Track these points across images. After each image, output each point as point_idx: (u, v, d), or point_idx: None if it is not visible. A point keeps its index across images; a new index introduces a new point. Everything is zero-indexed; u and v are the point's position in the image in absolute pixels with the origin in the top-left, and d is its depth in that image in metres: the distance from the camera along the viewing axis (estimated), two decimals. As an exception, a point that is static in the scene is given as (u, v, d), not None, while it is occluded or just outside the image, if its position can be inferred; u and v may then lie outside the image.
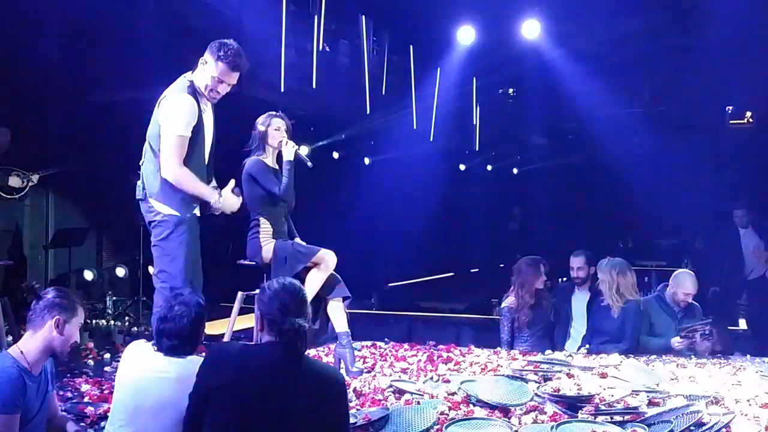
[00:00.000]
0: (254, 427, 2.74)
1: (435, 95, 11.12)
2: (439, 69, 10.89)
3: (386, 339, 6.09)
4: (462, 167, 14.66)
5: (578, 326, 6.02)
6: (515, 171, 16.14)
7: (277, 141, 4.80)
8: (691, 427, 3.46)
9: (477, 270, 15.03)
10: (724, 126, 12.05)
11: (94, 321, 7.20)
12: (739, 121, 12.04)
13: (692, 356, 5.38)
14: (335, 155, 11.45)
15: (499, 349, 5.70)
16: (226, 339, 4.82)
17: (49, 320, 3.12)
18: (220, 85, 4.11)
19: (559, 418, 3.67)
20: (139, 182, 4.12)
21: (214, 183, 4.39)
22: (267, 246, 4.71)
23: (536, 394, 3.97)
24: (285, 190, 4.72)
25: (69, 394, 4.29)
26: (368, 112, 10.08)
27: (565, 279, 7.26)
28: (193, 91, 4.07)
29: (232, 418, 2.74)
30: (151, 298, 4.13)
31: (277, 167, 4.85)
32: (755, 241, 8.34)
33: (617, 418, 3.63)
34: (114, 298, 7.82)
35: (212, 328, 6.09)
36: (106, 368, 5.06)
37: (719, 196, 9.65)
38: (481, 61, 10.49)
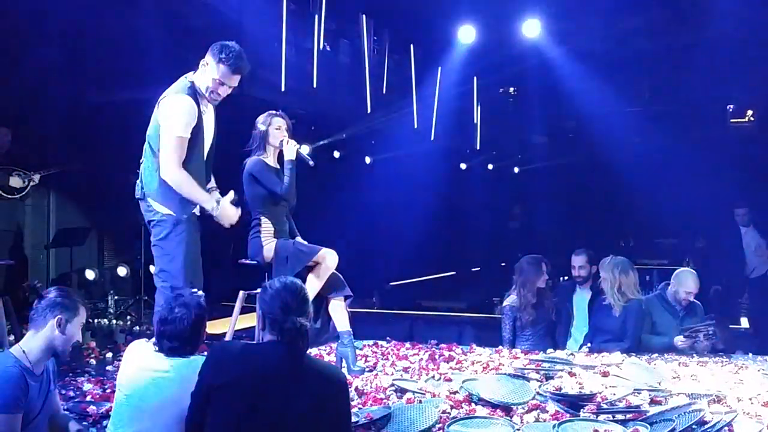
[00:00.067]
0: (256, 427, 2.74)
1: (436, 94, 11.13)
2: (439, 68, 10.90)
3: (388, 338, 6.09)
4: (463, 166, 14.66)
5: (580, 325, 6.02)
6: (516, 170, 16.15)
7: (279, 140, 4.79)
8: (693, 426, 3.46)
9: (478, 269, 15.03)
10: (725, 124, 12.06)
11: (95, 320, 7.21)
12: (740, 120, 12.05)
13: (694, 355, 5.38)
14: (336, 154, 11.45)
15: (500, 347, 5.69)
16: (227, 338, 4.83)
17: (51, 319, 3.13)
18: (221, 88, 4.10)
19: (561, 416, 3.67)
20: (138, 181, 4.12)
21: (213, 183, 4.39)
22: (268, 245, 4.71)
23: (538, 393, 3.97)
24: (287, 190, 4.72)
25: (71, 393, 4.30)
26: (369, 111, 10.09)
27: (566, 278, 7.26)
28: (194, 93, 4.07)
29: (234, 417, 2.74)
30: (152, 297, 4.13)
31: (278, 167, 4.85)
32: (757, 240, 8.34)
33: (619, 416, 3.63)
34: (116, 297, 7.82)
35: (214, 327, 6.10)
36: (108, 367, 5.07)
37: (720, 195, 9.63)
38: (481, 60, 10.50)
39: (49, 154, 7.50)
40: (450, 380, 4.36)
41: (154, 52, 6.87)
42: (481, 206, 14.26)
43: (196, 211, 4.12)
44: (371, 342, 5.91)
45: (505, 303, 6.09)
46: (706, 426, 3.46)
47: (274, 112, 4.88)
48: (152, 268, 4.27)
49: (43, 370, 3.18)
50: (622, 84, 11.12)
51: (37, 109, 7.49)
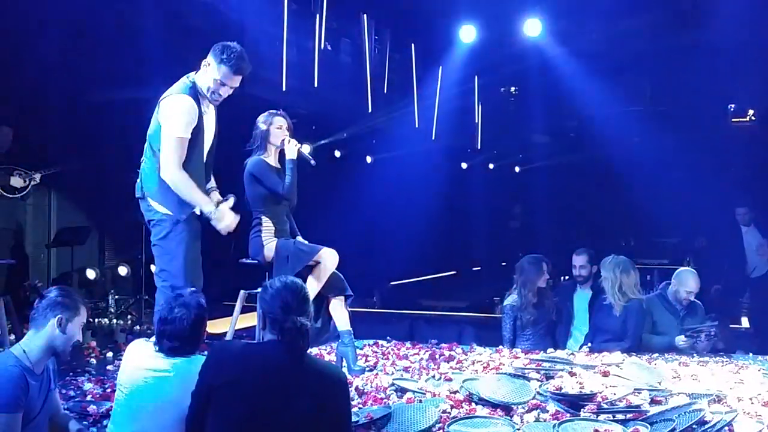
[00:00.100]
0: (257, 426, 2.75)
1: (437, 94, 11.13)
2: (440, 67, 10.90)
3: (388, 337, 6.10)
4: (464, 166, 14.67)
5: (580, 325, 6.02)
6: (517, 169, 16.15)
7: (280, 139, 4.78)
8: (694, 426, 3.45)
9: (479, 268, 15.04)
10: (726, 124, 12.05)
11: (96, 320, 7.20)
12: (741, 119, 12.04)
13: (694, 354, 5.39)
14: (337, 154, 11.45)
15: (501, 347, 5.69)
16: (228, 338, 4.83)
17: (52, 319, 3.13)
18: (222, 88, 4.10)
19: (562, 416, 3.66)
20: (138, 181, 4.13)
21: (213, 183, 4.39)
22: (269, 244, 4.70)
23: (538, 393, 3.97)
24: (288, 189, 4.71)
25: (72, 393, 4.30)
26: (370, 110, 10.09)
27: (567, 277, 7.27)
28: (195, 93, 4.06)
29: (235, 416, 2.74)
30: (153, 296, 4.13)
31: (279, 166, 4.84)
32: (758, 239, 8.33)
33: (619, 416, 3.62)
34: (116, 296, 7.82)
35: (214, 326, 6.09)
36: (109, 367, 5.07)
37: (721, 194, 9.63)
38: (482, 59, 10.50)
39: (50, 154, 7.50)
40: (450, 380, 4.36)
41: (155, 52, 6.88)
42: (482, 206, 14.26)
43: (197, 210, 4.12)
44: (372, 341, 5.91)
45: (505, 302, 6.09)
46: (706, 426, 3.46)
47: (274, 111, 4.87)
48: (153, 268, 4.27)
49: (43, 369, 3.18)
50: (623, 84, 11.13)
51: (38, 108, 7.49)
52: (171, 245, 4.01)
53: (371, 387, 4.22)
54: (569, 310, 6.11)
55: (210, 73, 4.07)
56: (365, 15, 9.73)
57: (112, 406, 3.43)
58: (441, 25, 9.98)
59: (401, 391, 4.10)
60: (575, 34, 9.71)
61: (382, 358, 5.31)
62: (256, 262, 4.75)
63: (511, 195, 15.64)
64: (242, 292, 4.86)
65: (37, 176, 6.95)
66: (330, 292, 4.77)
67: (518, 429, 3.56)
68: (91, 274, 8.27)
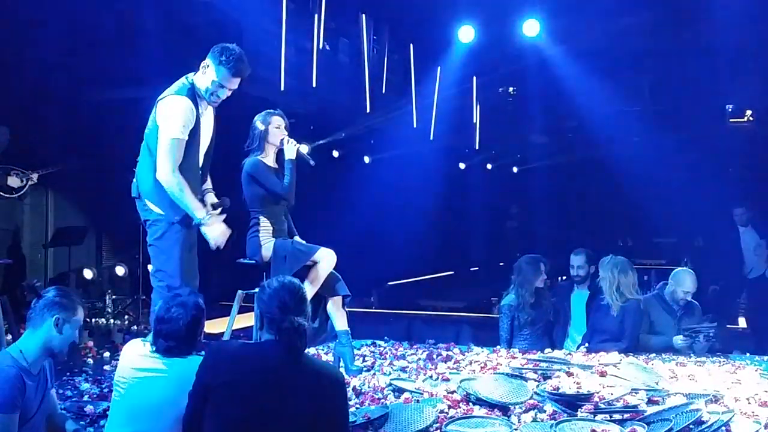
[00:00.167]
0: (254, 426, 2.75)
1: (435, 94, 11.13)
2: (439, 67, 10.89)
3: (386, 337, 6.10)
4: (462, 166, 14.65)
5: (577, 325, 6.02)
6: (515, 170, 16.14)
7: (279, 139, 4.78)
8: (691, 426, 3.46)
9: (477, 268, 15.03)
10: (724, 124, 12.05)
11: (93, 320, 7.20)
12: (739, 120, 12.04)
13: (692, 355, 5.39)
14: (335, 154, 11.44)
15: (498, 347, 5.70)
16: (225, 338, 4.82)
17: (49, 319, 3.12)
18: (221, 90, 4.09)
19: (559, 416, 3.67)
20: (134, 180, 4.12)
21: (209, 184, 4.39)
22: (267, 244, 4.70)
23: (536, 393, 3.97)
24: (287, 189, 4.71)
25: (69, 393, 4.30)
26: (368, 110, 10.08)
27: (564, 278, 7.27)
28: (193, 94, 4.06)
29: (232, 416, 2.74)
30: (150, 296, 4.13)
31: (276, 166, 4.84)
32: (756, 240, 8.33)
33: (616, 416, 3.63)
34: (114, 296, 7.81)
35: (212, 326, 6.10)
36: (106, 367, 5.07)
37: (719, 195, 9.64)
38: (481, 59, 10.50)
39: (48, 154, 7.49)
40: (448, 380, 4.37)
41: (154, 51, 6.88)
42: (480, 206, 14.26)
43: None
44: (369, 341, 5.91)
45: (503, 302, 6.09)
46: (703, 426, 3.46)
47: (272, 110, 4.86)
48: (150, 268, 4.27)
49: (40, 369, 3.17)
50: (621, 83, 11.12)
51: (36, 108, 7.49)
52: (167, 245, 4.01)
53: (369, 387, 4.22)
54: (566, 310, 6.11)
55: (209, 74, 4.06)
56: (364, 15, 9.73)
57: (109, 407, 3.43)
58: (439, 26, 9.97)
59: (399, 391, 4.10)
60: (573, 33, 9.71)
61: (380, 358, 5.31)
62: (253, 262, 4.75)
63: (509, 195, 15.63)
64: (240, 292, 4.86)
65: (35, 176, 6.95)
66: (328, 292, 4.78)
67: (515, 429, 3.56)
68: (88, 274, 8.27)
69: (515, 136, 14.18)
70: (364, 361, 5.13)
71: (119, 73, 7.33)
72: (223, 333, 5.10)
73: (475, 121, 12.41)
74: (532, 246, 8.70)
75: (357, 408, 3.76)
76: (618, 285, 5.57)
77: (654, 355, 5.37)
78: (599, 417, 3.61)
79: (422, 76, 10.84)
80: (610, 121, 11.55)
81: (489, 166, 15.41)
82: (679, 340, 5.44)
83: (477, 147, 13.22)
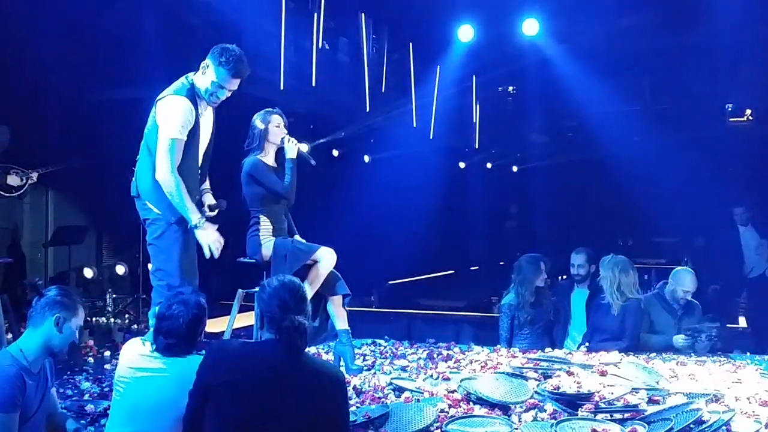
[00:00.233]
0: (254, 425, 2.74)
1: (435, 93, 11.12)
2: (438, 67, 10.89)
3: (386, 337, 6.10)
4: (462, 165, 14.66)
5: (577, 324, 6.03)
6: (515, 169, 16.14)
7: (279, 138, 4.77)
8: (691, 425, 3.46)
9: (477, 268, 15.04)
10: (724, 124, 12.05)
11: (94, 319, 7.20)
12: (738, 119, 12.04)
13: (692, 354, 5.39)
14: (335, 153, 11.44)
15: (499, 346, 5.70)
16: (226, 337, 4.82)
17: (50, 318, 3.12)
18: (220, 91, 4.09)
19: (559, 415, 3.67)
20: (133, 180, 4.12)
21: (207, 185, 4.39)
22: (267, 243, 4.70)
23: (536, 392, 3.97)
24: (288, 189, 4.71)
25: (69, 392, 4.30)
26: (368, 110, 10.08)
27: (565, 277, 7.27)
28: (192, 94, 4.05)
29: (232, 416, 2.74)
30: (151, 295, 4.13)
31: (276, 165, 4.83)
32: (756, 239, 8.34)
33: (617, 416, 3.62)
34: (114, 295, 7.81)
35: (212, 326, 6.08)
36: (106, 366, 5.07)
37: (719, 194, 9.65)
38: (480, 58, 10.50)
39: (48, 152, 7.49)
40: (448, 379, 4.37)
41: (154, 51, 6.88)
42: (480, 205, 14.27)
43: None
44: (370, 341, 5.91)
45: (503, 301, 6.10)
46: (703, 425, 3.46)
47: (270, 109, 4.85)
48: (150, 267, 4.27)
49: (40, 368, 3.17)
50: (621, 83, 11.12)
51: (36, 107, 7.49)
52: (166, 244, 4.01)
53: (369, 386, 4.22)
54: (567, 309, 6.12)
55: (208, 75, 4.06)
56: (363, 14, 9.73)
57: (109, 406, 3.43)
58: (439, 25, 9.97)
59: (399, 390, 4.10)
60: (573, 33, 9.71)
61: (380, 358, 5.32)
62: (253, 261, 4.75)
63: (509, 195, 15.63)
64: (240, 291, 4.86)
65: (35, 175, 6.95)
66: (328, 291, 4.77)
67: (516, 428, 3.56)
68: (88, 273, 8.27)
69: (515, 136, 14.19)
70: (364, 360, 5.13)
71: (119, 73, 7.33)
72: (223, 332, 5.10)
73: (474, 121, 12.41)
74: (532, 245, 8.70)
75: (357, 407, 3.76)
76: (619, 284, 5.57)
77: (654, 354, 5.37)
78: (600, 416, 3.61)
79: (422, 75, 10.84)
80: (610, 121, 11.55)
81: (489, 166, 15.41)
82: (680, 339, 5.44)
83: (477, 146, 13.22)
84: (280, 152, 4.83)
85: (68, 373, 4.76)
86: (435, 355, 5.31)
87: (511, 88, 13.27)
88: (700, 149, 11.58)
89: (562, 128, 13.97)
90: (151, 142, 4.02)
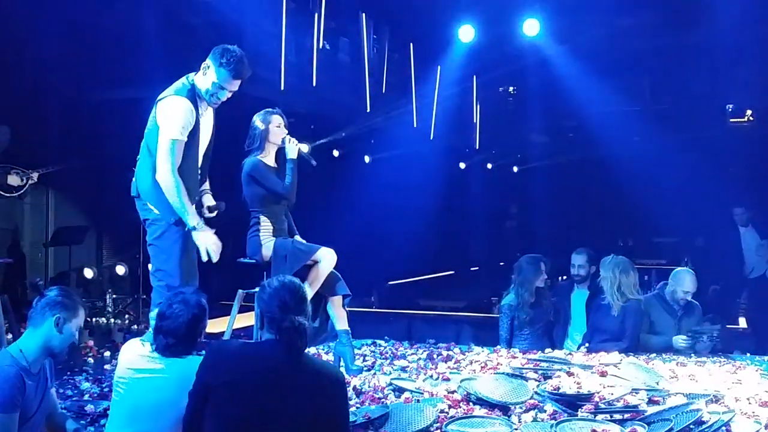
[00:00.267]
0: (254, 426, 2.74)
1: (435, 93, 11.12)
2: (439, 67, 10.88)
3: (386, 337, 6.10)
4: (462, 165, 14.65)
5: (577, 325, 6.03)
6: (515, 169, 16.14)
7: (280, 138, 4.76)
8: (691, 426, 3.46)
9: (477, 268, 15.04)
10: (725, 124, 12.06)
11: (94, 319, 7.20)
12: (739, 120, 12.05)
13: (692, 355, 5.40)
14: (335, 153, 11.44)
15: (499, 347, 5.70)
16: (226, 337, 4.82)
17: (50, 318, 3.12)
18: (221, 92, 4.09)
19: (559, 416, 3.67)
20: (134, 180, 4.12)
21: (207, 185, 4.39)
22: (267, 244, 4.70)
23: (536, 393, 3.97)
24: (289, 189, 4.70)
25: (69, 392, 4.30)
26: (368, 110, 10.07)
27: (565, 277, 7.27)
28: (193, 95, 4.05)
29: (232, 416, 2.74)
30: (151, 296, 4.13)
31: (276, 165, 4.83)
32: (756, 240, 8.34)
33: (617, 416, 3.63)
34: (114, 296, 7.82)
35: (212, 326, 6.05)
36: (106, 366, 5.07)
37: (719, 195, 9.65)
38: (481, 59, 10.49)
39: (48, 153, 7.50)
40: (448, 379, 4.37)
41: (154, 51, 6.87)
42: (480, 205, 14.27)
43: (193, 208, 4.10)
44: (370, 341, 5.91)
45: (503, 302, 6.09)
46: (703, 426, 3.46)
47: (270, 109, 4.84)
48: (150, 267, 4.27)
49: (40, 369, 3.17)
50: (621, 83, 11.12)
51: (36, 107, 7.49)
52: (166, 245, 4.01)
53: (369, 387, 4.22)
54: (567, 309, 6.11)
55: (209, 76, 4.05)
56: (364, 14, 9.72)
57: (109, 406, 3.43)
58: (439, 25, 9.97)
59: (399, 390, 4.10)
60: (573, 33, 9.70)
61: (380, 358, 5.31)
62: (254, 261, 4.75)
63: (509, 195, 15.63)
64: (240, 291, 4.86)
65: (35, 175, 6.96)
66: (328, 291, 4.77)
67: (516, 429, 3.56)
68: (88, 273, 8.27)
69: (515, 136, 14.19)
70: (364, 360, 5.13)
71: (119, 73, 7.33)
72: (223, 332, 5.10)
73: (475, 121, 12.40)
74: (532, 246, 8.70)
75: (357, 407, 3.76)
76: (619, 285, 5.57)
77: (654, 355, 5.37)
78: (600, 417, 3.61)
79: (422, 75, 10.83)
80: (610, 121, 11.55)
81: (489, 166, 15.41)
82: (679, 340, 5.44)
83: (477, 147, 13.21)
84: (280, 152, 4.83)
85: (68, 373, 4.77)
86: (435, 356, 5.31)
87: (511, 88, 13.27)
88: (701, 149, 11.58)
89: (563, 128, 13.97)
90: (151, 142, 4.02)
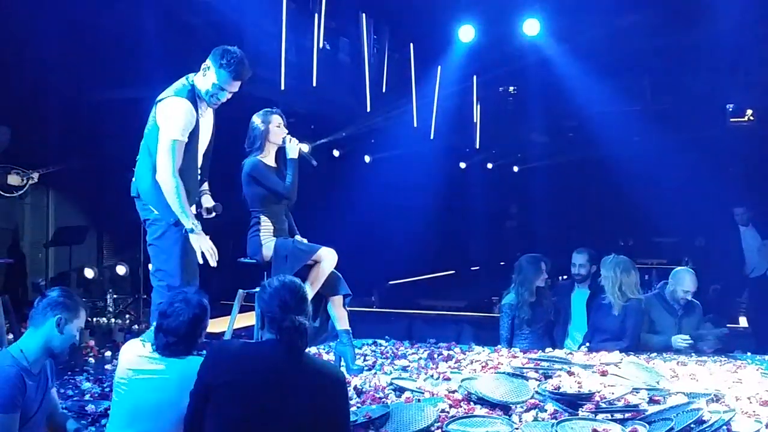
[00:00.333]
0: (255, 425, 2.74)
1: (435, 93, 11.12)
2: (439, 67, 10.89)
3: (387, 337, 6.10)
4: (462, 165, 14.66)
5: (578, 324, 6.02)
6: (516, 169, 16.15)
7: (280, 137, 4.76)
8: (692, 425, 3.46)
9: (477, 268, 15.04)
10: (724, 124, 12.06)
11: (94, 319, 7.20)
12: (739, 119, 12.05)
13: (693, 354, 5.40)
14: (335, 153, 11.45)
15: (499, 347, 5.70)
16: (226, 337, 4.82)
17: (51, 318, 3.12)
18: (221, 93, 4.09)
19: (560, 416, 3.67)
20: (133, 180, 4.12)
21: (206, 186, 4.39)
22: (267, 244, 4.70)
23: (537, 392, 3.97)
24: (289, 189, 4.70)
25: (70, 392, 4.30)
26: (368, 110, 10.08)
27: (565, 277, 7.27)
28: (193, 96, 4.05)
29: (233, 416, 2.74)
30: (151, 296, 4.13)
31: (276, 165, 4.83)
32: (757, 240, 8.33)
33: (618, 416, 3.62)
34: (115, 296, 7.82)
35: (213, 326, 6.04)
36: (107, 366, 5.07)
37: (720, 194, 9.65)
38: (481, 58, 10.50)
39: (49, 153, 7.50)
40: (449, 379, 4.37)
41: (154, 51, 6.88)
42: (481, 205, 14.28)
43: (192, 209, 4.11)
44: (370, 341, 5.91)
45: (503, 301, 6.09)
46: (704, 425, 3.46)
47: (270, 109, 4.84)
48: (151, 267, 4.27)
49: (40, 369, 3.17)
50: (622, 83, 11.12)
51: (37, 107, 7.50)
52: (167, 245, 4.01)
53: (370, 386, 4.22)
54: (567, 309, 6.11)
55: (209, 77, 4.05)
56: (364, 14, 9.72)
57: (110, 406, 3.43)
58: (439, 25, 9.97)
59: (400, 390, 4.10)
60: (574, 33, 9.71)
61: (381, 358, 5.32)
62: (254, 261, 4.75)
63: (509, 195, 15.64)
64: (241, 291, 4.86)
65: (36, 175, 6.96)
66: (328, 291, 4.77)
67: (516, 428, 3.56)
68: (89, 273, 8.27)
69: (515, 136, 14.19)
70: (365, 360, 5.13)
71: (119, 73, 7.33)
72: (224, 332, 5.10)
73: (475, 121, 12.41)
74: (532, 245, 8.71)
75: (358, 407, 3.76)
76: (620, 284, 5.57)
77: (655, 354, 5.38)
78: (600, 416, 3.61)
79: (422, 75, 10.83)
80: (610, 121, 11.56)
81: (489, 166, 15.42)
82: (678, 340, 5.45)
83: (477, 146, 13.21)
84: (280, 152, 4.82)
85: (69, 373, 4.77)
86: (436, 355, 5.31)
87: (511, 88, 13.28)
88: (701, 149, 11.59)
89: (563, 128, 13.98)
90: (151, 142, 4.02)
